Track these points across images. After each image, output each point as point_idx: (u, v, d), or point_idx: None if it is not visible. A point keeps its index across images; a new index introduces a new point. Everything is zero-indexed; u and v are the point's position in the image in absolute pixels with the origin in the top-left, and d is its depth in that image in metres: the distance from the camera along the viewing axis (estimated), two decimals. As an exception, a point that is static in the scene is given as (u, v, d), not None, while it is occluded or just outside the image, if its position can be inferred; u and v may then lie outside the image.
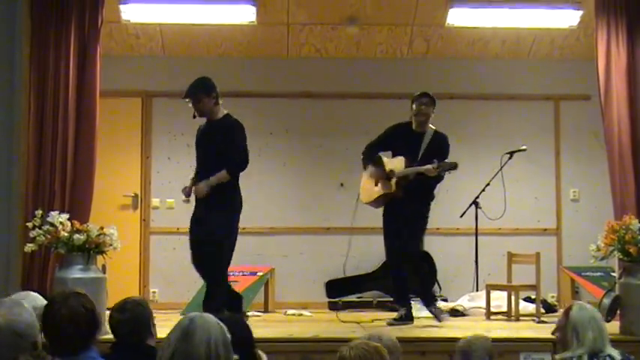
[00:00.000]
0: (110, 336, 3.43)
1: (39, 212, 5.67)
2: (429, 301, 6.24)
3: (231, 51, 8.06)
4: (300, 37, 7.95)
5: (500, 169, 7.31)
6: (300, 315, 7.13)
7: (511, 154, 7.36)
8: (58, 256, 5.76)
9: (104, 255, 5.67)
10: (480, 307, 6.98)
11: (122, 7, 7.32)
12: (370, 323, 6.16)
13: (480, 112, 8.21)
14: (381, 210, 6.28)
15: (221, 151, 5.65)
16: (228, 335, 2.60)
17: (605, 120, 6.57)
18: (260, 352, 3.31)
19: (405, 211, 6.02)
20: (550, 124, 8.25)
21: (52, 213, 5.65)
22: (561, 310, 7.16)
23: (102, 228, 5.62)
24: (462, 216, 7.36)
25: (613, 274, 6.37)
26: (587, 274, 7.41)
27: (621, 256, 5.61)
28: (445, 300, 7.32)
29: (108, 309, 4.14)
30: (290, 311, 7.25)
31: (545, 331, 5.68)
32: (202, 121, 5.88)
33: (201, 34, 7.85)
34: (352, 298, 7.68)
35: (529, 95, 8.24)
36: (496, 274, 7.22)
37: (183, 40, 7.93)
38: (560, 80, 8.21)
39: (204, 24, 7.66)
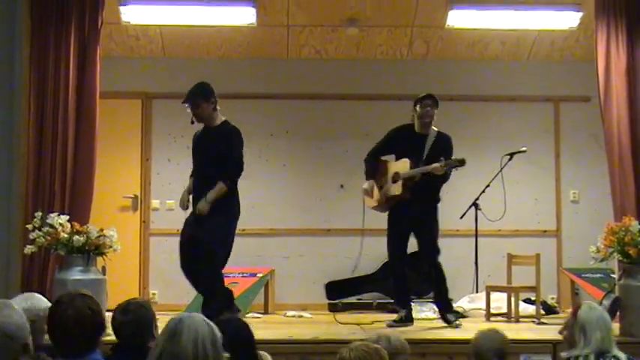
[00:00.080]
0: (111, 337, 3.41)
1: (39, 214, 5.67)
2: (449, 309, 6.11)
3: (231, 52, 8.05)
4: (300, 39, 7.94)
5: (500, 171, 7.29)
6: (300, 317, 7.12)
7: (511, 155, 7.34)
8: (58, 257, 5.76)
9: (104, 256, 5.68)
10: (479, 309, 6.99)
11: (122, 8, 7.31)
12: (370, 325, 6.14)
13: (480, 114, 8.21)
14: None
15: (218, 159, 5.54)
16: (218, 334, 2.57)
17: (605, 121, 6.57)
18: (265, 354, 3.30)
19: (412, 213, 5.99)
20: (550, 125, 8.24)
21: (52, 214, 5.65)
22: (561, 311, 7.25)
23: (102, 229, 5.64)
24: (462, 217, 7.35)
25: (613, 275, 6.35)
26: (587, 275, 7.40)
27: (621, 258, 5.60)
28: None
29: (108, 310, 4.12)
30: (290, 313, 7.25)
31: (545, 332, 5.69)
32: (199, 126, 5.78)
33: (201, 36, 7.85)
34: (352, 299, 7.67)
35: (529, 97, 8.23)
36: (496, 275, 7.22)
37: (184, 41, 7.92)
38: (560, 82, 8.21)
39: (204, 25, 7.65)
